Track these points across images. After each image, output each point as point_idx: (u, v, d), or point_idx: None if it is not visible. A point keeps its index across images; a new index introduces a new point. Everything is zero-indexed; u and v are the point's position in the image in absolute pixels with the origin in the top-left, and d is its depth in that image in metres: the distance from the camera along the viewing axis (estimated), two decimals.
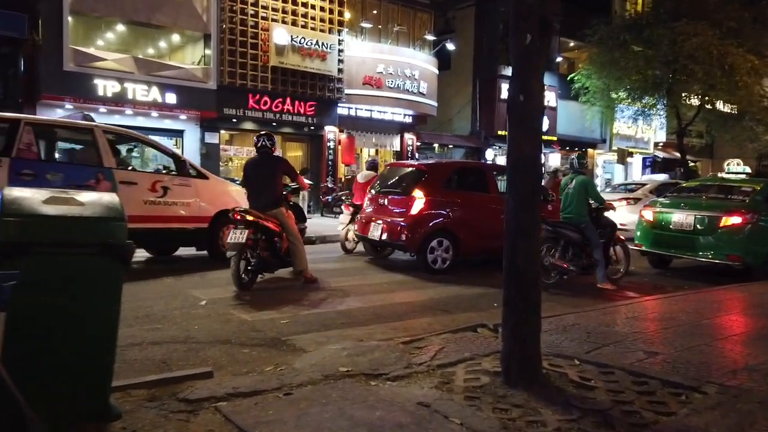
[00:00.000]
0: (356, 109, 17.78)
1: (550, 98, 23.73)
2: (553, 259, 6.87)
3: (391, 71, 17.71)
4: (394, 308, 5.60)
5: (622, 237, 7.81)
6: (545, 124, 23.99)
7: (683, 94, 20.10)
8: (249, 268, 5.99)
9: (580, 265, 7.01)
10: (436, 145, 23.11)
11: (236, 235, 5.80)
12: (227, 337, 4.37)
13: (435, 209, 7.91)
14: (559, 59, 24.13)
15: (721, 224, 8.00)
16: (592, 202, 7.20)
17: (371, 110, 18.11)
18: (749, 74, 17.62)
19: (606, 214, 7.43)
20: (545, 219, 6.81)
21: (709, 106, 20.93)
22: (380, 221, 8.05)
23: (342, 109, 17.45)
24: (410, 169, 8.94)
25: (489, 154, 22.35)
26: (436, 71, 19.56)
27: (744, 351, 4.01)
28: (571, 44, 24.33)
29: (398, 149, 19.77)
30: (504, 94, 22.31)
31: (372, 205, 8.56)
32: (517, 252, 3.21)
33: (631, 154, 27.62)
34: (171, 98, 14.32)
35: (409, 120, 19.39)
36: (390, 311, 5.45)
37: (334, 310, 5.41)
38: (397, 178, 8.74)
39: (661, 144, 28.67)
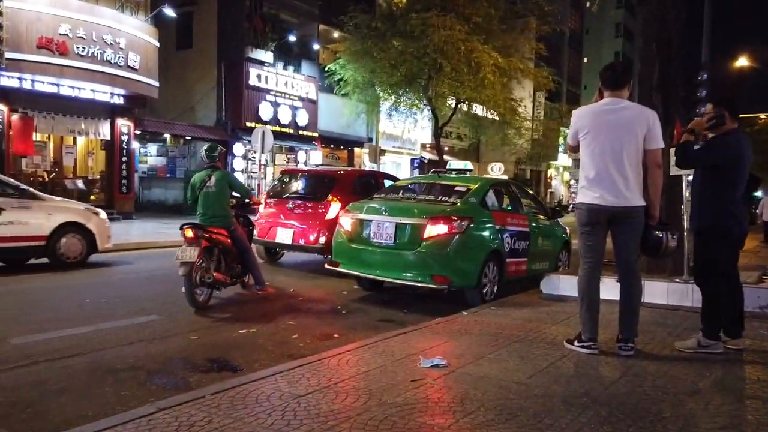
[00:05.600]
0: (32, 80, 13.21)
1: (309, 90, 21.52)
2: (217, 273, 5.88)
3: (81, 34, 13.46)
4: None
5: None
6: (304, 119, 21.69)
7: (443, 92, 19.23)
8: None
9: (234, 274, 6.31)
10: (167, 136, 19.26)
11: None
12: None
13: None
14: (316, 47, 21.96)
15: (425, 235, 5.97)
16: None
17: (58, 84, 13.66)
18: (493, 72, 17.20)
19: None
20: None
21: (464, 107, 20.57)
22: (290, 227, 8.31)
23: (7, 80, 12.83)
24: (319, 175, 9.23)
25: (238, 149, 19.25)
26: (156, 43, 15.70)
27: None
28: (336, 35, 22.40)
29: (109, 138, 15.63)
30: (252, 80, 19.42)
31: (276, 210, 8.60)
32: None
33: (383, 153, 26.43)
34: None
35: (120, 101, 15.29)
36: None
37: None
38: (303, 184, 9.09)
39: (428, 145, 28.34)
